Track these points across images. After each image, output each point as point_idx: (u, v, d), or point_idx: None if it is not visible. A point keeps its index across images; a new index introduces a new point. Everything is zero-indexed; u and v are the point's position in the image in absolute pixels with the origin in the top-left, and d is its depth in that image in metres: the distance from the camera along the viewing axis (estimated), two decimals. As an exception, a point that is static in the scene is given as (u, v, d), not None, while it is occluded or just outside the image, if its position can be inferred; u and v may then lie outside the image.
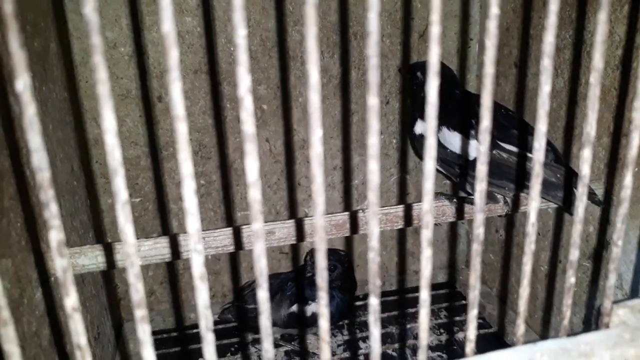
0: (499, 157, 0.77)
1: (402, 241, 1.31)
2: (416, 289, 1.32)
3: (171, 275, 1.18)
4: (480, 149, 0.33)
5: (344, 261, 1.08)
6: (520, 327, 0.38)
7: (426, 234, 0.33)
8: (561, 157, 0.81)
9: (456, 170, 0.84)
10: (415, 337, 1.14)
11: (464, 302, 1.27)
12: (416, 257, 1.33)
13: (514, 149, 0.78)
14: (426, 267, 0.34)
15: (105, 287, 1.04)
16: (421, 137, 0.87)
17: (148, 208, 1.12)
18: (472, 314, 0.37)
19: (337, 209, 1.23)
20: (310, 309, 1.05)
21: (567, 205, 0.74)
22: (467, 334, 0.37)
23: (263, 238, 0.31)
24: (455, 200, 0.84)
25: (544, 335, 1.02)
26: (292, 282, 1.07)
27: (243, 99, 0.28)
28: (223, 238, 0.73)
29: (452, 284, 1.36)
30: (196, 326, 1.19)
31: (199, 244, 0.30)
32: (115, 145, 0.28)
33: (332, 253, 1.08)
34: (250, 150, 0.29)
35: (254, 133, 0.29)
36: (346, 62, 1.12)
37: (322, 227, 0.31)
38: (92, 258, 0.68)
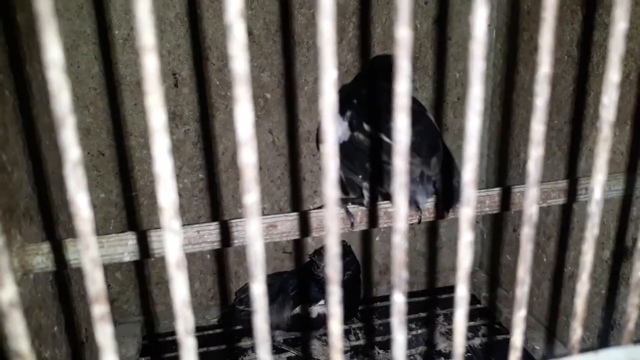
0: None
1: (410, 241, 1.23)
2: (423, 293, 1.24)
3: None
4: (536, 102, 0.26)
5: (348, 251, 1.01)
6: (577, 332, 0.31)
7: (466, 214, 0.26)
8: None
9: (366, 166, 0.68)
10: (427, 343, 1.06)
11: (478, 305, 1.20)
12: (425, 257, 1.26)
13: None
14: (465, 256, 0.27)
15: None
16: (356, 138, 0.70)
17: (143, 203, 1.05)
18: (519, 315, 0.30)
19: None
20: (315, 309, 0.97)
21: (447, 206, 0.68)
22: (512, 340, 0.30)
23: (259, 216, 0.24)
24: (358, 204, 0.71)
25: (557, 340, 0.94)
26: (296, 282, 1.00)
27: (232, 26, 0.21)
28: (219, 232, 0.66)
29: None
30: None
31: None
32: (62, 86, 0.21)
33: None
34: (242, 97, 0.22)
35: (246, 73, 0.22)
36: (358, 49, 1.05)
37: (334, 200, 0.24)
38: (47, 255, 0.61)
